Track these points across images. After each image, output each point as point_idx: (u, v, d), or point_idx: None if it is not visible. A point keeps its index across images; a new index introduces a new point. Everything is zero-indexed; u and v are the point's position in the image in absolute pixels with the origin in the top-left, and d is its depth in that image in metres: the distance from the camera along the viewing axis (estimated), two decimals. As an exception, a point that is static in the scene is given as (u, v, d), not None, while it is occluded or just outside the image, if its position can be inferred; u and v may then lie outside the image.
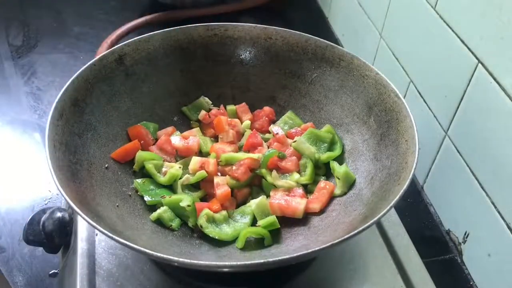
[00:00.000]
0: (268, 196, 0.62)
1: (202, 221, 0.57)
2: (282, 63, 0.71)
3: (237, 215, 0.61)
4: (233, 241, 0.58)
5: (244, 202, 0.63)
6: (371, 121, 0.64)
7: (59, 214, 0.63)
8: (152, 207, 0.60)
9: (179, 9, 1.05)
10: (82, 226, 0.61)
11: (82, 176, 0.55)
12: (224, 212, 0.60)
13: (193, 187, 0.64)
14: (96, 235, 0.60)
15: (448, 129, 0.69)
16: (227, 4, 1.07)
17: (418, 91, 0.76)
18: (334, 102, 0.69)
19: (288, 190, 0.62)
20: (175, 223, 0.58)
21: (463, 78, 0.64)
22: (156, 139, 0.67)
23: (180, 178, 0.63)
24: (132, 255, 0.59)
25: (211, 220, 0.59)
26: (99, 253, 0.59)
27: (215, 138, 0.70)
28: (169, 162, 0.65)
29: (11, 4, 1.14)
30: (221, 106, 0.72)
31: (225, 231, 0.58)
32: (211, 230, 0.57)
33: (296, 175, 0.63)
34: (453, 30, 0.65)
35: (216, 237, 0.57)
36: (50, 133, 0.54)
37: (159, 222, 0.58)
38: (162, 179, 0.62)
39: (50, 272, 0.67)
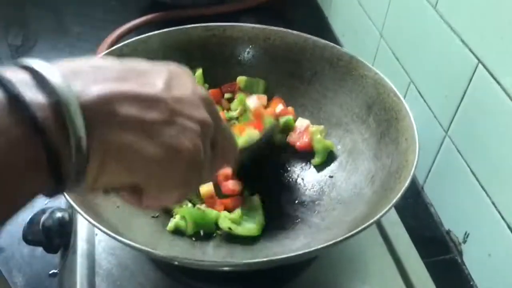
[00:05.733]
0: None
1: (228, 224, 0.57)
2: (281, 63, 0.71)
3: (246, 210, 0.60)
4: (238, 239, 0.58)
5: None
6: (371, 120, 0.64)
7: (59, 214, 0.63)
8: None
9: (179, 9, 1.05)
10: (82, 226, 0.61)
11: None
12: (238, 210, 0.59)
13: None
14: (96, 235, 0.60)
15: (448, 129, 0.69)
16: (227, 4, 1.07)
17: (418, 91, 0.76)
18: (333, 102, 0.69)
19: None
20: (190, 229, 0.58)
21: (463, 78, 0.64)
22: None
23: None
24: (131, 255, 0.59)
25: (235, 221, 0.58)
26: (99, 253, 0.59)
27: None
28: None
29: (11, 4, 1.14)
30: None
31: (249, 227, 0.58)
32: (241, 230, 0.57)
33: None
34: (453, 30, 0.65)
35: (250, 234, 0.57)
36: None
37: (160, 222, 0.58)
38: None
39: (50, 272, 0.67)
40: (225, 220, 0.58)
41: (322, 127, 0.67)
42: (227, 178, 0.62)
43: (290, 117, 0.69)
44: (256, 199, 0.61)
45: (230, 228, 0.57)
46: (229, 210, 0.60)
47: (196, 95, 0.35)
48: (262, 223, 0.59)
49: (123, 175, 0.30)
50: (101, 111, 0.28)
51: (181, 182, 0.33)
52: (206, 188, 0.60)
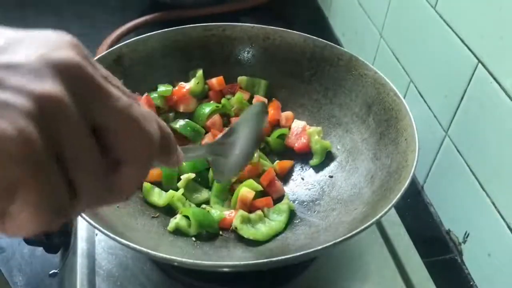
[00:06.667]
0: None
1: (236, 222, 0.57)
2: (281, 63, 0.71)
3: (274, 214, 0.60)
4: (239, 239, 0.58)
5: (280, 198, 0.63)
6: (370, 120, 0.64)
7: (58, 214, 0.63)
8: (154, 206, 0.60)
9: (179, 9, 1.05)
10: (82, 226, 0.61)
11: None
12: (259, 212, 0.59)
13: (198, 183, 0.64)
14: (96, 235, 0.60)
15: (448, 129, 0.69)
16: (227, 4, 1.07)
17: (418, 91, 0.76)
18: (333, 102, 0.69)
19: None
20: (193, 229, 0.58)
21: (463, 78, 0.64)
22: None
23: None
24: (132, 255, 0.59)
25: (246, 221, 0.58)
26: (99, 253, 0.59)
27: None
28: None
29: (11, 4, 1.14)
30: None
31: (260, 231, 0.58)
32: (246, 231, 0.57)
33: None
34: (453, 30, 0.65)
35: (251, 238, 0.57)
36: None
37: (161, 222, 0.58)
38: (159, 201, 0.60)
39: (50, 272, 0.67)
40: (237, 218, 0.58)
41: (319, 128, 0.68)
42: (272, 178, 0.63)
43: (285, 130, 0.69)
44: (285, 204, 0.61)
45: (235, 228, 0.57)
46: (252, 210, 0.60)
47: (45, 59, 0.23)
48: (275, 229, 0.58)
49: None
50: None
51: None
52: (248, 195, 0.60)
